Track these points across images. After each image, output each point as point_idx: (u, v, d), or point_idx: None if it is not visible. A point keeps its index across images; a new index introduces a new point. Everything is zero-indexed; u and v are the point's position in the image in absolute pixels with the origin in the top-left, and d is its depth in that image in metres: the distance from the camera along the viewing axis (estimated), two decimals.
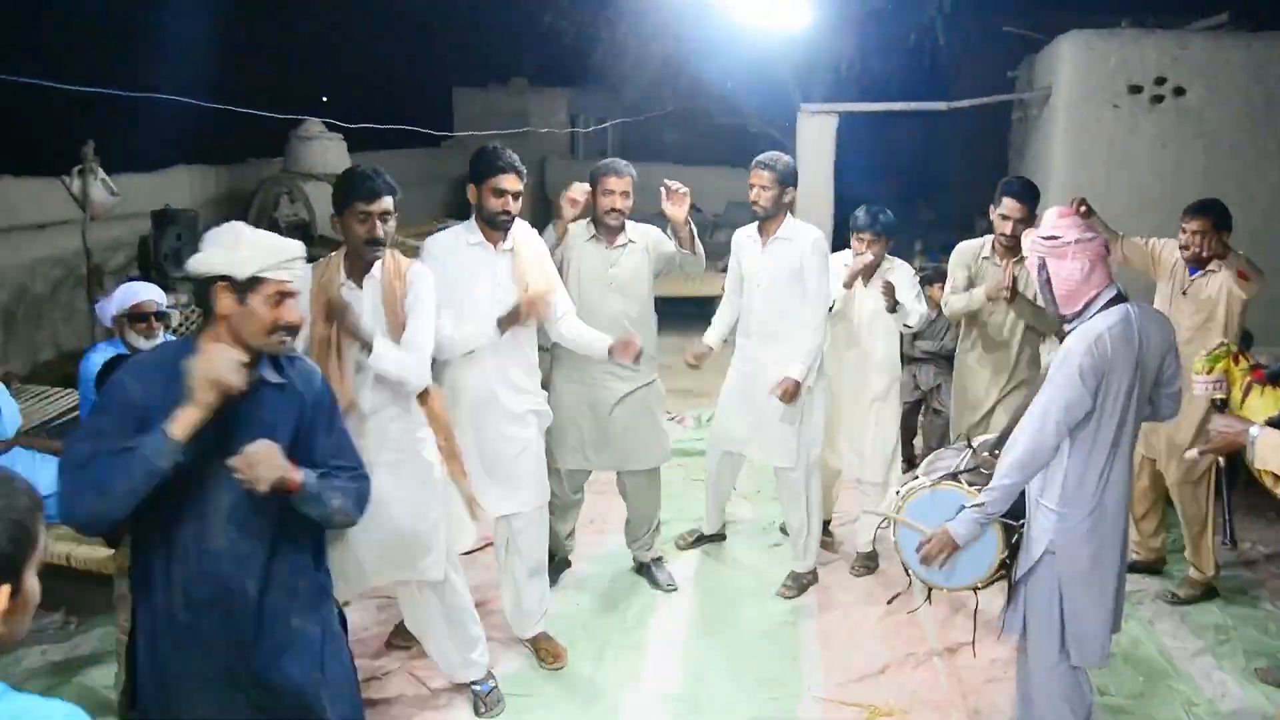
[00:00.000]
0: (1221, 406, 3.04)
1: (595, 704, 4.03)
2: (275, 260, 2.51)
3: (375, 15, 17.28)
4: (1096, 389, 3.02)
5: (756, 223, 4.93)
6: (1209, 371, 3.08)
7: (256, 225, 3.04)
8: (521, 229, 4.12)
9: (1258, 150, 9.34)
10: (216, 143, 11.02)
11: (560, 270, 4.47)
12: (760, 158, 4.86)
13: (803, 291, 4.76)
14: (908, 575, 3.54)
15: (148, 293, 4.67)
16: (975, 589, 3.45)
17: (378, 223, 3.45)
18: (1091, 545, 3.15)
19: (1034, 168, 10.67)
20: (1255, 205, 9.40)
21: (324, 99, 19.33)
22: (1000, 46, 12.12)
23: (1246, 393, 2.95)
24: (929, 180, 18.13)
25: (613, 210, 4.61)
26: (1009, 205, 4.88)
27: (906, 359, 6.99)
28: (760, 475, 6.53)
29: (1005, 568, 3.34)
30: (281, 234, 2.70)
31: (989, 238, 5.10)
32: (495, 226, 3.98)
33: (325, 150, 10.17)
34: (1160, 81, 9.38)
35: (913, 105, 11.19)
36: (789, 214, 4.88)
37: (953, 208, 17.08)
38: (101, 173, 7.20)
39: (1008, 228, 4.87)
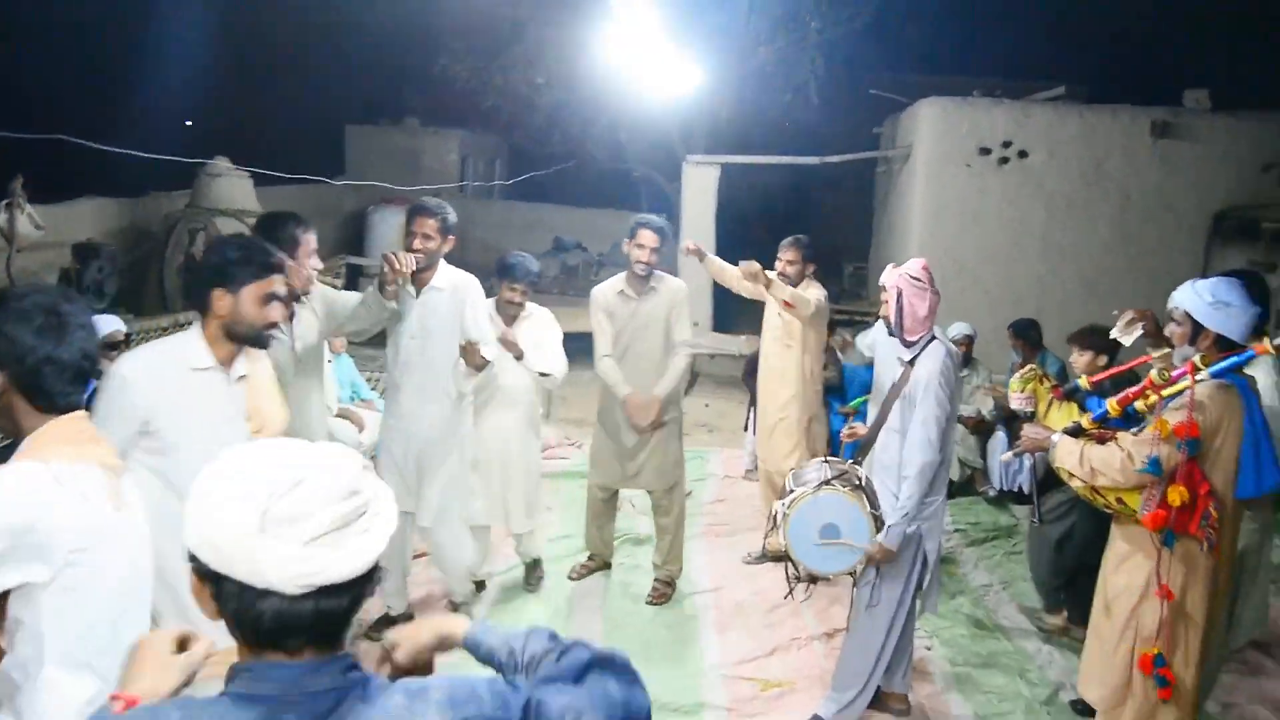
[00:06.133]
0: (1030, 418, 3.86)
1: None
2: None
3: (271, 53, 17.59)
4: (951, 397, 3.89)
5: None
6: (1022, 390, 3.90)
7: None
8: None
9: (1089, 207, 10.54)
10: (120, 175, 11.26)
11: None
12: (427, 203, 4.61)
13: (455, 338, 4.63)
14: (796, 570, 4.27)
15: (113, 324, 5.12)
16: (851, 573, 4.21)
17: None
18: (942, 519, 4.11)
19: (896, 218, 11.74)
20: (1088, 254, 10.62)
21: (188, 123, 19.48)
22: (866, 106, 13.27)
23: (1049, 407, 3.79)
24: (800, 225, 19.26)
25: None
26: (646, 236, 5.23)
27: None
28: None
29: None
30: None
31: (622, 274, 5.44)
32: (260, 344, 3.13)
33: (233, 186, 10.51)
34: (1007, 145, 10.52)
35: (788, 159, 12.14)
36: (443, 262, 4.70)
37: (821, 249, 18.22)
38: (29, 206, 7.52)
39: (644, 255, 5.23)
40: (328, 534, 1.34)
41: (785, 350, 5.85)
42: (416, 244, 4.49)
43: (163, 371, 2.92)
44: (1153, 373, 3.29)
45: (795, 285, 5.68)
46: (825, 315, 5.77)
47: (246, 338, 3.04)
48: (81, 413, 2.28)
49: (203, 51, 16.45)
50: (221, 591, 1.37)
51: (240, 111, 17.04)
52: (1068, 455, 3.40)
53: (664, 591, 5.63)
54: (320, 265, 4.08)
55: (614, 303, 5.40)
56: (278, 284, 3.06)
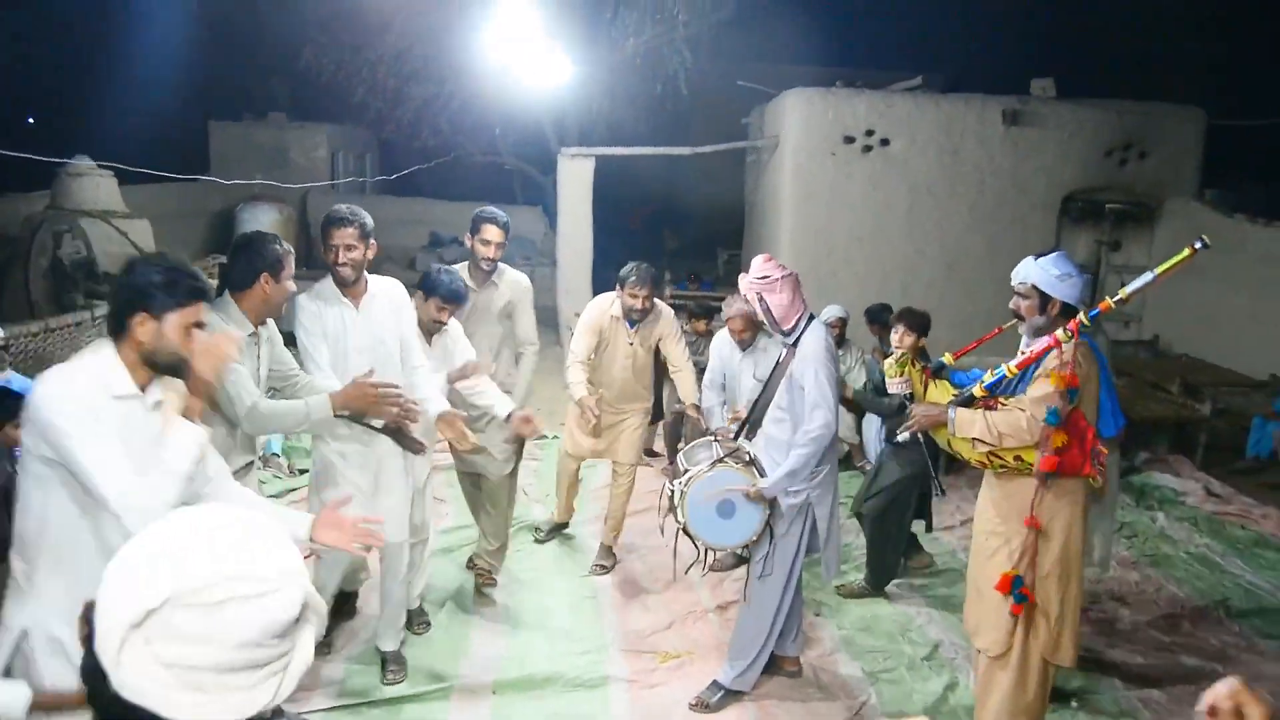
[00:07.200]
0: (909, 399, 4.11)
1: (435, 667, 4.71)
2: None
3: (130, 46, 16.98)
4: (836, 369, 4.27)
5: (330, 285, 4.23)
6: (900, 374, 4.14)
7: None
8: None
9: (948, 191, 11.06)
10: None
11: None
12: (340, 212, 4.15)
13: (400, 350, 4.36)
14: (695, 545, 4.48)
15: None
16: (745, 546, 4.44)
17: None
18: (833, 488, 4.39)
19: (767, 205, 12.08)
20: (949, 236, 11.14)
21: (30, 120, 18.64)
22: (735, 97, 13.59)
23: (926, 386, 4.05)
24: (674, 213, 19.62)
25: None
26: (491, 232, 5.24)
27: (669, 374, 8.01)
28: (549, 482, 7.37)
29: (768, 525, 4.34)
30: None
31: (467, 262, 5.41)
32: (180, 374, 2.81)
33: (97, 186, 10.16)
34: (870, 133, 10.96)
35: (661, 150, 12.37)
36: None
37: (695, 237, 18.63)
38: None
39: (489, 251, 5.26)
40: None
41: (643, 372, 5.95)
42: (340, 257, 4.11)
43: (85, 398, 2.59)
44: (1058, 331, 3.56)
45: (647, 316, 5.74)
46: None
47: (167, 367, 2.75)
48: None
49: (46, 44, 15.81)
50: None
51: (93, 107, 16.40)
52: (969, 425, 3.64)
53: (485, 572, 5.62)
54: (294, 287, 3.80)
55: None
56: (203, 311, 2.79)
